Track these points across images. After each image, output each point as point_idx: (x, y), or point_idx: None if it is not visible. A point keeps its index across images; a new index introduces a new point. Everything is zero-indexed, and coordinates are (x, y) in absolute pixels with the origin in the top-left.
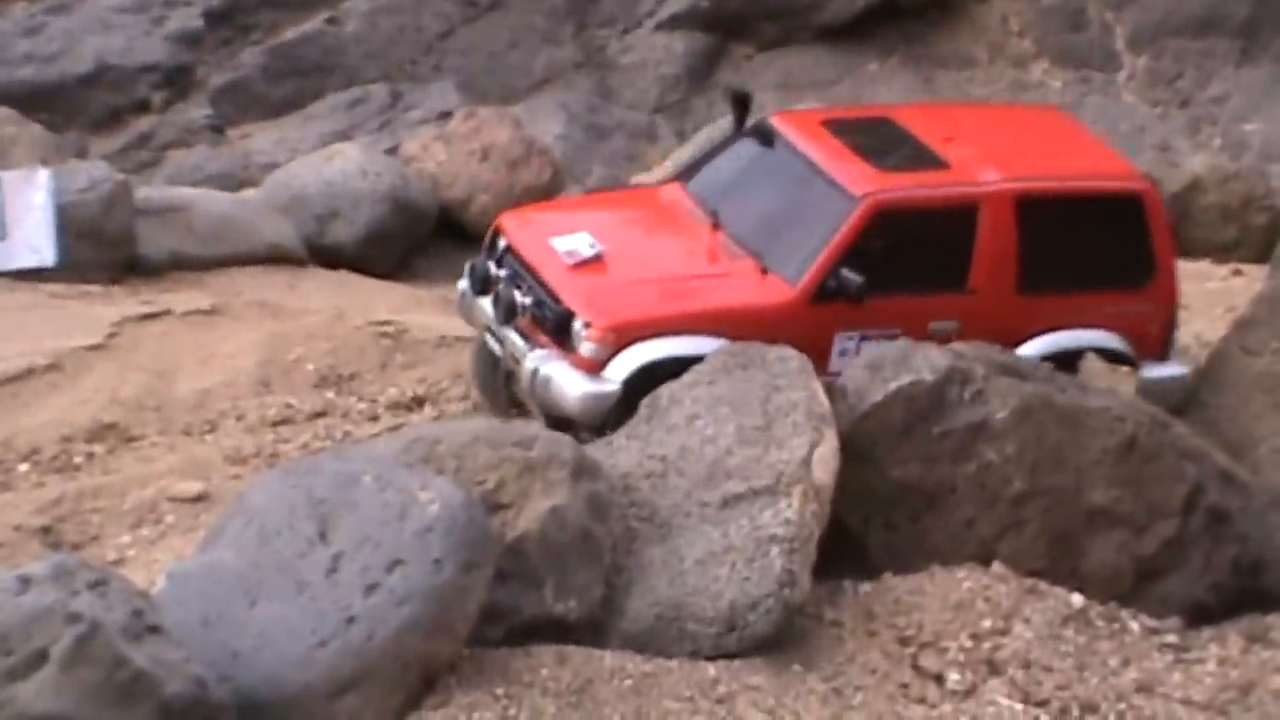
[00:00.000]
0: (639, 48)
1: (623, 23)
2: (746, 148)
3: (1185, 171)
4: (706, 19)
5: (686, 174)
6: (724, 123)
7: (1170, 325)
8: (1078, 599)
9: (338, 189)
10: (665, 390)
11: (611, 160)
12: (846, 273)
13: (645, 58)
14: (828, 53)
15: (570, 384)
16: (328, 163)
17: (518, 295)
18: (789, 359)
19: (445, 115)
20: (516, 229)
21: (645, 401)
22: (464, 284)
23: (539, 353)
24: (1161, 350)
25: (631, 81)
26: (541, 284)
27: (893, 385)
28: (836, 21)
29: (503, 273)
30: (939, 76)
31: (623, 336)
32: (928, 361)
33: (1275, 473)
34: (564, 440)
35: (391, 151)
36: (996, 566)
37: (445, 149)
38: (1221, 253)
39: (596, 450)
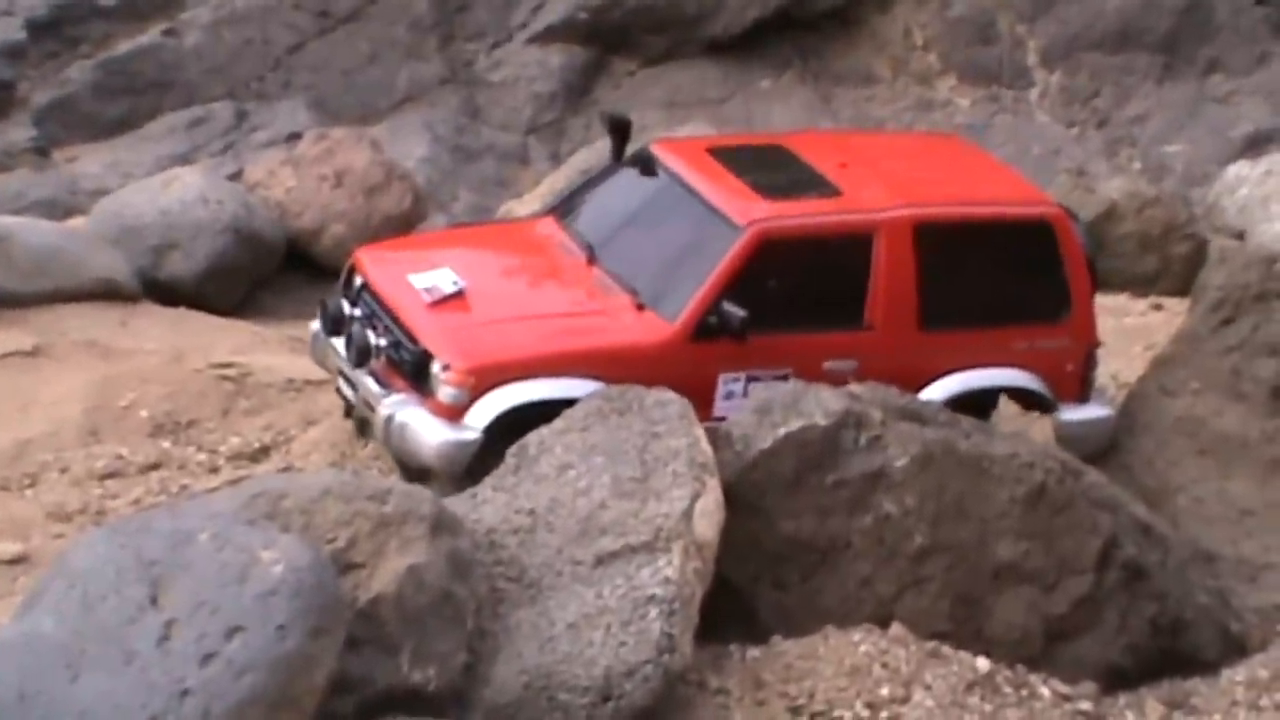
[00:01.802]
0: (511, 63)
1: (493, 35)
2: (625, 177)
3: (1102, 197)
4: (585, 31)
5: (560, 206)
6: (602, 145)
7: (1089, 363)
8: (983, 663)
9: (175, 218)
10: (534, 437)
11: (480, 186)
12: (728, 307)
13: (518, 74)
14: (716, 68)
15: (428, 431)
16: (164, 189)
17: (371, 336)
18: (669, 403)
19: (295, 137)
20: (373, 264)
21: (512, 450)
22: (316, 324)
23: (394, 398)
24: (1080, 390)
25: (502, 100)
26: (398, 323)
27: (782, 431)
28: (726, 35)
29: (357, 312)
30: (837, 94)
31: (485, 379)
32: (820, 405)
33: (1195, 524)
34: (422, 493)
35: (235, 177)
36: (895, 628)
37: (294, 174)
38: (1141, 285)
39: (458, 504)
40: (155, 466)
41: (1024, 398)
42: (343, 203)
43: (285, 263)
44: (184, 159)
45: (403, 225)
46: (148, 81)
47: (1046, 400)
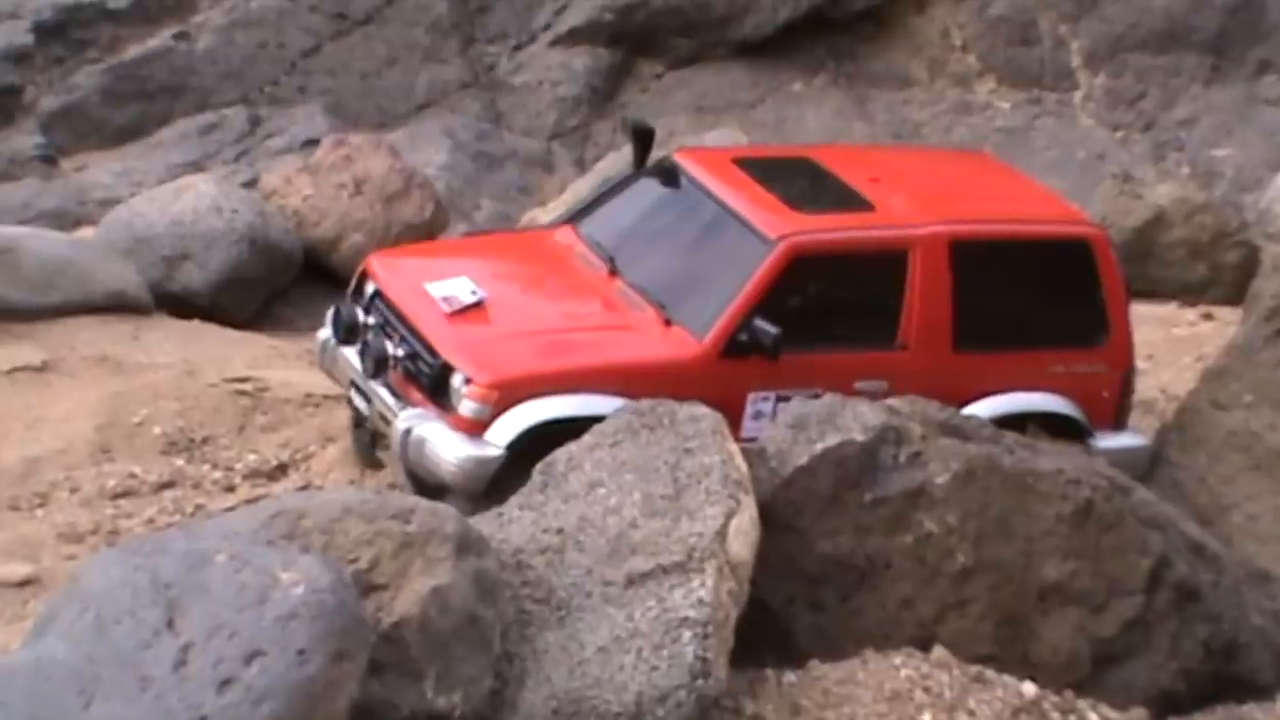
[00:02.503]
0: (533, 66)
1: (515, 38)
2: (647, 187)
3: (1149, 203)
4: (610, 33)
5: (579, 216)
6: (629, 151)
7: (1126, 389)
8: (1030, 688)
9: (188, 228)
10: (563, 454)
11: (503, 193)
12: (760, 323)
13: (541, 77)
14: (746, 71)
15: (447, 447)
16: (177, 198)
17: (389, 346)
18: (701, 418)
19: (311, 143)
20: (387, 272)
21: (540, 467)
22: (325, 332)
23: (412, 411)
24: (1115, 417)
25: (525, 104)
26: (415, 334)
27: (819, 447)
28: (756, 36)
29: (371, 320)
30: (872, 97)
31: (508, 394)
32: (859, 420)
33: (1250, 543)
34: (447, 512)
35: (250, 185)
36: (938, 652)
37: (311, 182)
38: (1190, 294)
39: (484, 523)
40: (169, 485)
41: (1057, 425)
42: (361, 211)
43: (302, 273)
44: (197, 166)
45: (423, 234)
46: (158, 86)
47: (1081, 427)
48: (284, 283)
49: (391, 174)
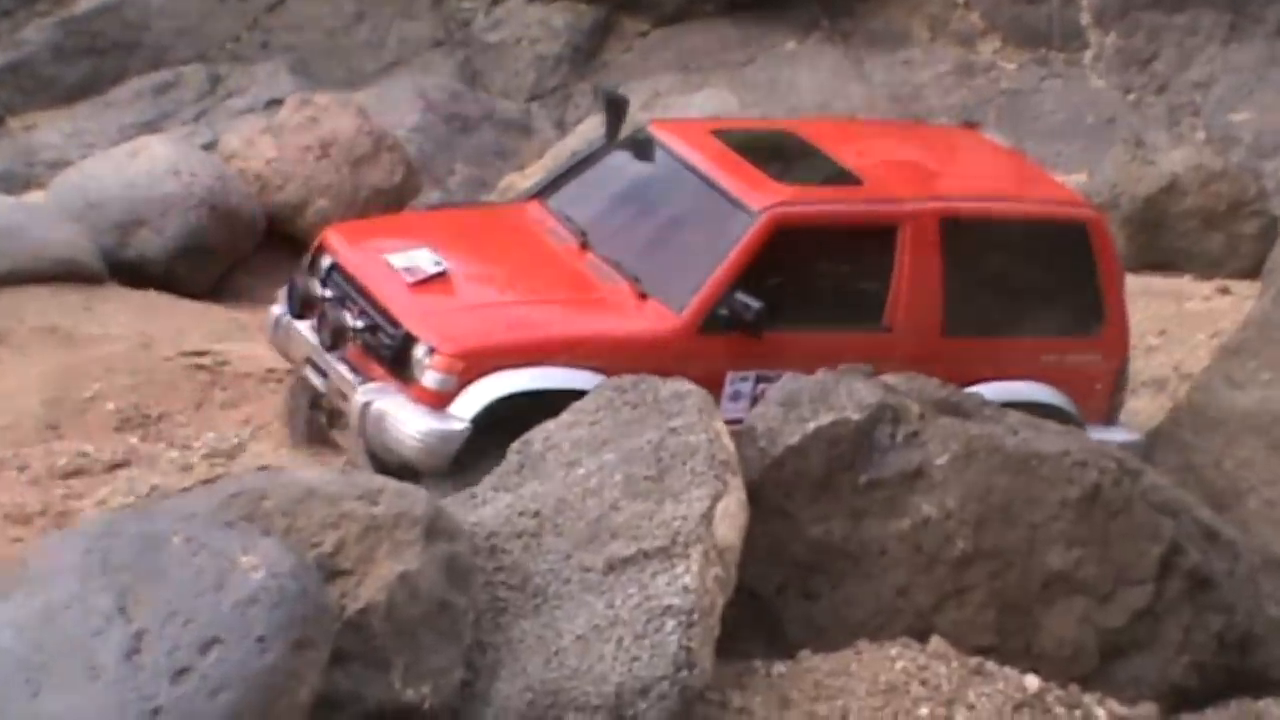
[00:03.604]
0: (511, 23)
1: None
2: (620, 160)
3: (1162, 170)
4: None
5: (549, 190)
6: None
7: (1120, 382)
8: (1032, 681)
9: (143, 192)
10: (539, 432)
11: (478, 158)
12: (742, 297)
13: (519, 34)
14: (736, 29)
15: (409, 421)
16: (131, 160)
17: (347, 317)
18: (686, 395)
19: (274, 103)
20: (344, 243)
21: (515, 446)
22: (278, 308)
23: (371, 385)
24: (1108, 411)
25: (502, 63)
26: (375, 304)
27: (811, 425)
28: None
29: (329, 294)
30: (869, 57)
31: (474, 365)
32: (853, 397)
33: (1267, 528)
34: (416, 493)
35: (209, 147)
36: (935, 643)
37: (274, 144)
38: (1205, 267)
39: (456, 505)
40: (122, 464)
41: (1047, 417)
42: (328, 175)
43: (265, 241)
44: (152, 127)
45: (393, 200)
46: (111, 42)
47: (1072, 420)
48: (245, 251)
49: (359, 136)
